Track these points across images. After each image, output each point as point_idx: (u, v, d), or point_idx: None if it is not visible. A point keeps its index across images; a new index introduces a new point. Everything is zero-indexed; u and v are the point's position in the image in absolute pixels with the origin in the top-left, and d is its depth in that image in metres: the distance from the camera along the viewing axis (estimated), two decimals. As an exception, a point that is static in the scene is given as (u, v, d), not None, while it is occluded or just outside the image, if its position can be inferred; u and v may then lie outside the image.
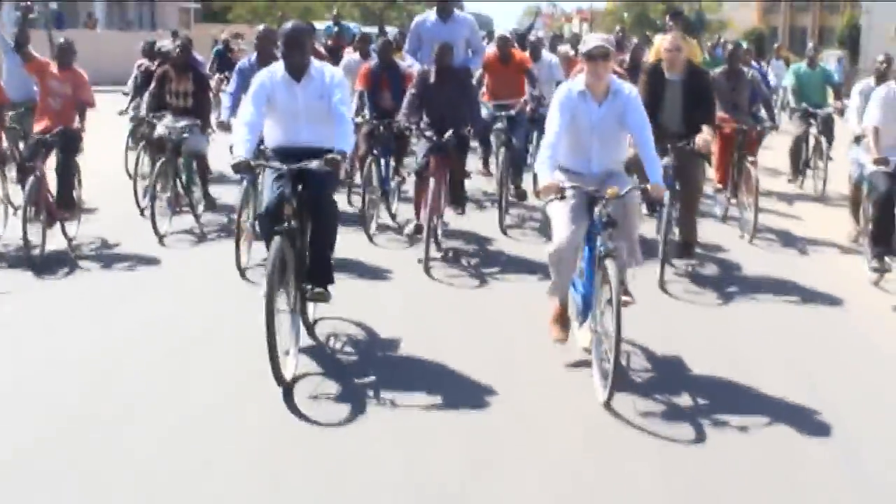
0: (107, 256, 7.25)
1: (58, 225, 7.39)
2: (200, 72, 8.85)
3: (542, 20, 31.86)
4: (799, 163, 10.38)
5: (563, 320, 5.21)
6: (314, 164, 4.99)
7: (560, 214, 4.94)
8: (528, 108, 8.44)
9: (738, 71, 8.47)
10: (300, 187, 5.11)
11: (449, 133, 7.01)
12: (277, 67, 5.36)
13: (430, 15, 8.38)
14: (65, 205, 7.67)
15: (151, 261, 7.06)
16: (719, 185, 8.48)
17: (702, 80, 6.81)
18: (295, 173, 5.05)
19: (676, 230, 6.80)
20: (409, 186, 8.01)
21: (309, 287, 5.21)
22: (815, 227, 8.58)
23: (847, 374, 5.03)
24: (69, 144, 7.62)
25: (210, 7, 41.53)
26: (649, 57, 9.14)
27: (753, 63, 11.17)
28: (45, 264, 6.79)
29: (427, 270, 6.70)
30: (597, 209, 4.79)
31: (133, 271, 6.86)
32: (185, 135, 8.00)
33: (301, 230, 5.16)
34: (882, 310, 6.18)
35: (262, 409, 4.45)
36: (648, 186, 4.90)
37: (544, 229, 7.26)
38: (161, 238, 7.51)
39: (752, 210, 7.72)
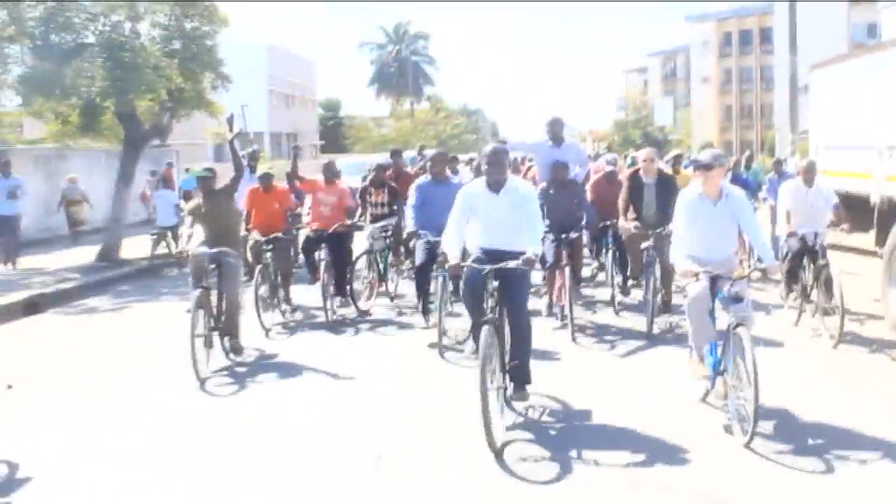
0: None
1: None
2: (393, 185, 10.90)
3: None
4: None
5: (698, 366, 5.89)
6: (512, 263, 5.49)
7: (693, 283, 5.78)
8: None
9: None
10: (499, 284, 5.62)
11: (573, 233, 8.64)
12: (480, 182, 6.04)
13: (547, 141, 10.03)
14: (341, 291, 9.62)
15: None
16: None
17: (670, 183, 9.03)
18: (496, 271, 5.57)
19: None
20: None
21: (510, 388, 5.67)
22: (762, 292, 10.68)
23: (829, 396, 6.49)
24: (341, 242, 9.77)
25: (334, 141, 58.54)
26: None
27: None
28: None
29: (574, 340, 8.28)
30: (725, 287, 5.48)
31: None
32: (385, 234, 10.37)
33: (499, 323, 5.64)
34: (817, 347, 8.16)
35: (478, 469, 5.10)
36: (765, 266, 5.80)
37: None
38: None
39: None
